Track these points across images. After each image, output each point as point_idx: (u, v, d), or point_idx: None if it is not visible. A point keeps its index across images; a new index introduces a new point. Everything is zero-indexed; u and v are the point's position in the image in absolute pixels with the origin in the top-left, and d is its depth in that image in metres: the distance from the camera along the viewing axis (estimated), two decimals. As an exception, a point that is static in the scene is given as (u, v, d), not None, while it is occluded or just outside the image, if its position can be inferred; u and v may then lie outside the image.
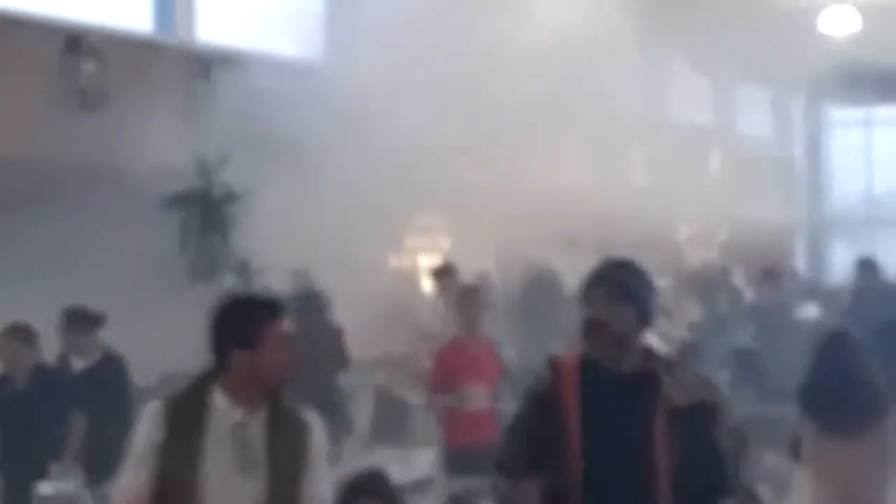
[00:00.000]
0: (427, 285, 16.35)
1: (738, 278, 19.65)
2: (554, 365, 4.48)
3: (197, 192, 13.01)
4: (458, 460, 9.67)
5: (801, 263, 26.40)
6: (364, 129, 15.06)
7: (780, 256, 21.95)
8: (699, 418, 4.30)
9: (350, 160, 14.65)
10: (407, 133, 15.16)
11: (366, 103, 14.93)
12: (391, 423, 12.68)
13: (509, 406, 7.82)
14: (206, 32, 16.13)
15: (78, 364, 10.67)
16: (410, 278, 18.00)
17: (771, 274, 16.72)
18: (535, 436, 4.37)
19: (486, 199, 16.73)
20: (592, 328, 4.39)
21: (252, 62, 15.34)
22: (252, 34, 16.40)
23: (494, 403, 9.79)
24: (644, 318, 4.44)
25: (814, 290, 21.01)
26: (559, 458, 4.28)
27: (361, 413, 13.18)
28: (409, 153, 15.25)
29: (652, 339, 4.56)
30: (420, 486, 9.15)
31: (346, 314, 14.42)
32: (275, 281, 13.08)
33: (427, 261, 17.04)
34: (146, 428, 4.73)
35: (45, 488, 8.92)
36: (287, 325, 4.77)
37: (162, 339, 13.28)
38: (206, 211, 13.07)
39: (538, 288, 18.29)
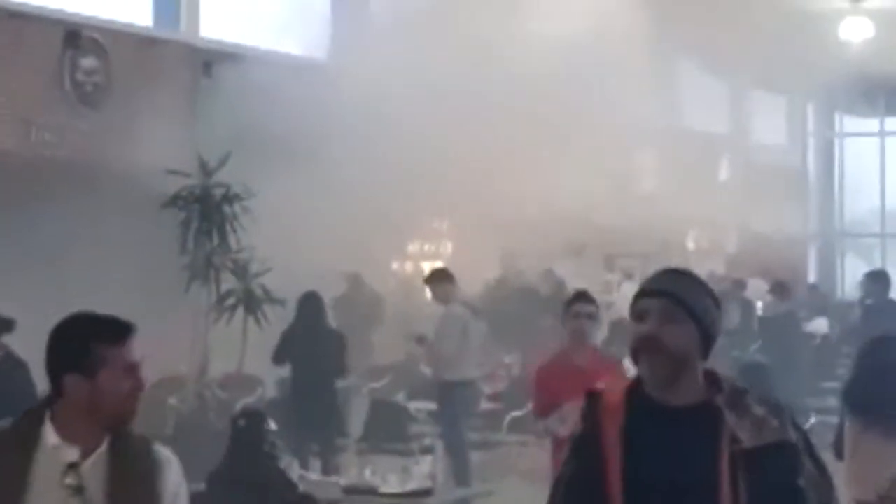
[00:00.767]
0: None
1: (751, 290, 19.42)
2: (592, 399, 3.77)
3: (197, 191, 12.78)
4: None
5: (812, 276, 26.15)
6: (368, 130, 14.86)
7: (791, 269, 21.68)
8: (774, 463, 3.58)
9: (353, 161, 14.44)
10: (412, 136, 14.95)
11: (370, 104, 14.72)
12: (388, 430, 12.44)
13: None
14: (209, 29, 15.92)
15: None
16: (412, 284, 17.77)
17: (781, 287, 16.50)
18: (575, 488, 3.75)
19: (491, 206, 16.50)
20: (645, 347, 3.66)
21: (255, 60, 15.13)
22: (255, 32, 16.22)
23: None
24: (708, 340, 3.71)
25: (825, 304, 20.77)
26: None
27: (357, 421, 12.96)
28: (413, 156, 15.03)
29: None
30: (419, 496, 8.85)
31: (345, 319, 14.21)
32: (274, 281, 12.88)
33: (429, 267, 16.79)
34: None
35: None
36: (135, 351, 3.95)
37: (160, 340, 13.05)
38: (205, 210, 12.83)
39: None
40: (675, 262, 22.17)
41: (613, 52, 17.30)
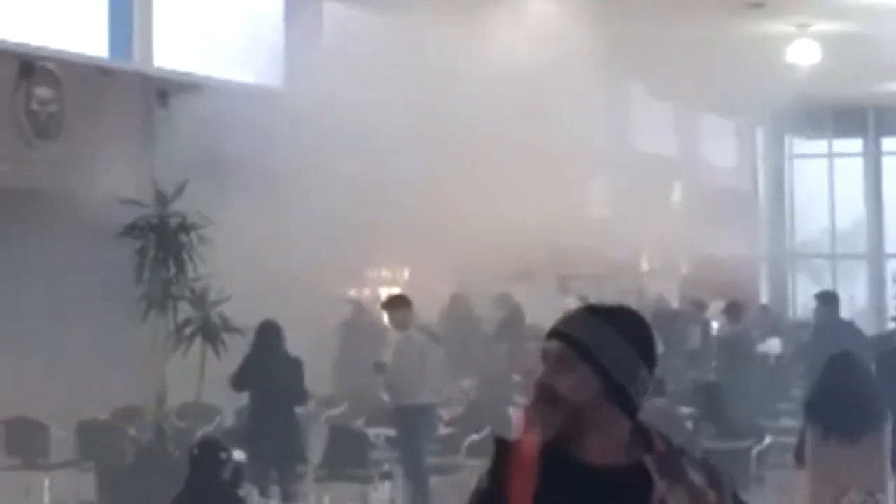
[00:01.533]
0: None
1: (710, 312, 19.61)
2: (502, 450, 3.21)
3: (153, 220, 12.81)
4: None
5: (764, 297, 26.37)
6: (324, 157, 14.91)
7: (744, 290, 21.87)
8: None
9: (308, 188, 14.48)
10: (367, 162, 15.03)
11: (325, 130, 14.79)
12: (347, 457, 12.46)
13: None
14: (164, 58, 15.93)
15: None
16: (369, 310, 17.83)
17: (734, 308, 16.66)
18: None
19: (446, 230, 16.58)
20: (537, 396, 3.16)
21: (210, 88, 15.16)
22: (210, 61, 16.24)
23: None
24: (616, 389, 3.15)
25: (777, 324, 20.95)
26: None
27: (316, 448, 12.98)
28: (369, 181, 15.10)
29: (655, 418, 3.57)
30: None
31: (304, 346, 14.23)
32: (232, 310, 12.90)
33: (386, 293, 16.86)
34: None
35: None
36: None
37: (116, 370, 13.07)
38: (161, 239, 12.85)
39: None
40: (629, 284, 22.45)
41: (566, 75, 17.45)
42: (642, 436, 3.16)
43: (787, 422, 16.07)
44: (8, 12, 14.26)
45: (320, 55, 16.56)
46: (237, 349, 12.39)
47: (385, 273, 19.43)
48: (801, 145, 28.79)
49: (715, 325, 18.99)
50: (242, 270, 13.03)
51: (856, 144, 28.21)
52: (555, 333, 3.22)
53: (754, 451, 12.84)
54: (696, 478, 3.07)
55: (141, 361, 12.83)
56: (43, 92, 14.31)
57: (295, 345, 12.19)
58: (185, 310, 12.89)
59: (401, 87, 15.80)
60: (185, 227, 12.83)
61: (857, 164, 28.00)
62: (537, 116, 17.42)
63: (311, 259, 14.53)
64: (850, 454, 7.89)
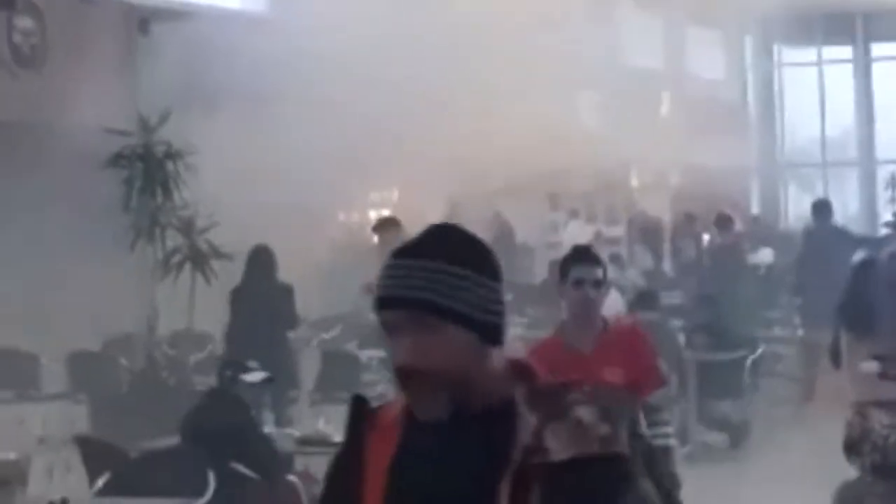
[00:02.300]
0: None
1: (700, 224, 19.62)
2: (356, 410, 2.83)
3: (138, 149, 12.79)
4: None
5: (755, 207, 26.37)
6: (310, 82, 14.84)
7: (735, 201, 21.86)
8: (590, 482, 2.60)
9: (295, 114, 14.44)
10: (354, 86, 14.95)
11: (311, 55, 14.69)
12: (340, 380, 12.51)
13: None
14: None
15: None
16: (360, 233, 17.82)
17: (723, 219, 16.67)
18: None
19: (436, 151, 16.55)
20: (406, 383, 2.70)
21: (193, 15, 15.06)
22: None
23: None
24: (491, 329, 2.72)
25: (769, 235, 20.99)
26: None
27: (309, 373, 13.03)
28: (356, 106, 15.04)
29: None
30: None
31: (295, 271, 14.23)
32: (221, 237, 12.91)
33: (376, 215, 16.85)
34: None
35: None
36: None
37: (105, 301, 13.09)
38: (147, 169, 12.84)
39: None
40: (620, 200, 22.44)
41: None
42: (519, 371, 2.75)
43: (779, 331, 16.20)
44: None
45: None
46: (229, 277, 12.40)
47: (374, 196, 19.41)
48: (789, 54, 28.63)
49: (707, 237, 19.02)
50: (231, 197, 13.02)
51: (845, 51, 28.06)
52: (396, 301, 2.68)
53: (748, 361, 12.92)
54: (584, 412, 2.65)
55: (131, 291, 12.86)
56: (24, 22, 14.23)
57: (286, 269, 12.20)
58: (174, 238, 12.90)
59: (387, 9, 15.69)
60: (171, 156, 12.83)
61: (847, 71, 27.87)
62: (525, 33, 17.33)
63: (299, 184, 14.52)
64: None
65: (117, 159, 12.81)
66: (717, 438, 12.80)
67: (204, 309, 12.69)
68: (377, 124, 15.49)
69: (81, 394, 12.31)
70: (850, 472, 6.80)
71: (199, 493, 7.44)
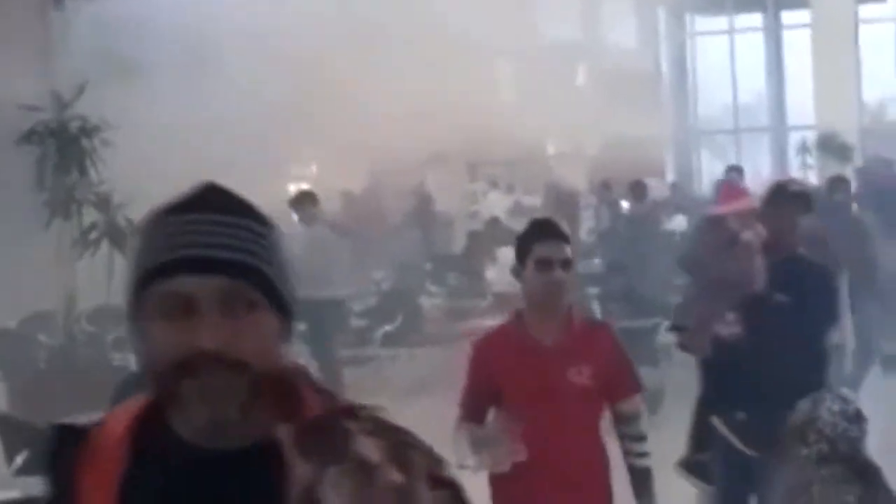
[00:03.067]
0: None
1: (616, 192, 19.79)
2: (67, 440, 2.15)
3: (51, 125, 12.70)
4: None
5: (670, 175, 26.65)
6: (228, 56, 14.82)
7: (651, 169, 22.09)
8: None
9: (212, 88, 14.41)
10: (273, 60, 14.94)
11: (229, 29, 14.67)
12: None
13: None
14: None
15: None
16: (279, 208, 17.82)
17: (637, 187, 16.84)
18: None
19: (353, 124, 16.59)
20: (207, 371, 1.98)
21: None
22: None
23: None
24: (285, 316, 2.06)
25: (685, 202, 21.21)
26: None
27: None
28: (276, 80, 15.03)
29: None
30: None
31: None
32: (139, 213, 12.84)
33: (295, 189, 16.87)
34: None
35: None
36: None
37: (22, 279, 13.01)
38: (62, 144, 12.75)
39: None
40: (538, 170, 22.60)
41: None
42: (288, 394, 2.02)
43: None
44: None
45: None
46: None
47: (294, 169, 19.41)
48: (701, 22, 28.95)
49: (625, 204, 19.19)
50: (149, 172, 12.97)
51: (756, 19, 28.41)
52: (214, 264, 2.00)
53: (663, 327, 13.09)
54: (369, 450, 1.97)
55: (47, 269, 12.79)
56: (-68, -2, 14.04)
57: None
58: (91, 214, 12.85)
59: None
60: (85, 131, 12.74)
61: (758, 39, 28.21)
62: (442, 6, 17.40)
63: (216, 159, 14.48)
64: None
65: (30, 136, 12.72)
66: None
67: (123, 285, 12.63)
68: (292, 98, 15.49)
69: (-2, 372, 12.25)
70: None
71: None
